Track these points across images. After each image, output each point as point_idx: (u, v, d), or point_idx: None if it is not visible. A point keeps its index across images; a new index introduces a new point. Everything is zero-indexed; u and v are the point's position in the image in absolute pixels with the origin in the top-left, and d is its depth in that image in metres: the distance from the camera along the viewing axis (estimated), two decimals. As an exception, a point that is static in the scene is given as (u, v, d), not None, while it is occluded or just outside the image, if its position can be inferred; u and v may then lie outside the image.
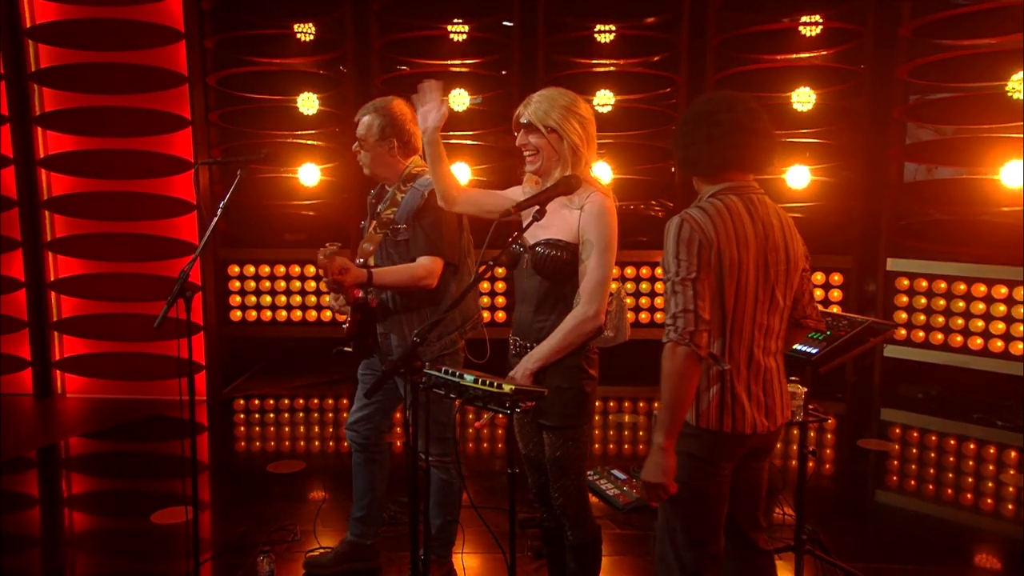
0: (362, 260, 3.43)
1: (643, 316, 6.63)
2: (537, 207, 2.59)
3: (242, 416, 6.12)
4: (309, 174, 6.64)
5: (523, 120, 2.81)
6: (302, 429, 5.83)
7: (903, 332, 6.16)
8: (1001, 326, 5.87)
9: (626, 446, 5.35)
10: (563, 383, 2.77)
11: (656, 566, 2.61)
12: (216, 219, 3.40)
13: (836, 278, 6.44)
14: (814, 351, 3.16)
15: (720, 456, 2.44)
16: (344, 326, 3.47)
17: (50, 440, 5.62)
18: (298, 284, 6.80)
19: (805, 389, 3.34)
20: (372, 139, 3.37)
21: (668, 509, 2.50)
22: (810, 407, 3.38)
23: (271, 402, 6.30)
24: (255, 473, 4.97)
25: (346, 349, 3.49)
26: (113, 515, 4.55)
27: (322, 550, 3.87)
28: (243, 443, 5.72)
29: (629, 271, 6.60)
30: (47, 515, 4.70)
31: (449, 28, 6.50)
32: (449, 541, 3.60)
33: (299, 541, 4.00)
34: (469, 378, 2.47)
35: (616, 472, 4.61)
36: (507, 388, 2.39)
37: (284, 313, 6.82)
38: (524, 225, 2.67)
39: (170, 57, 5.99)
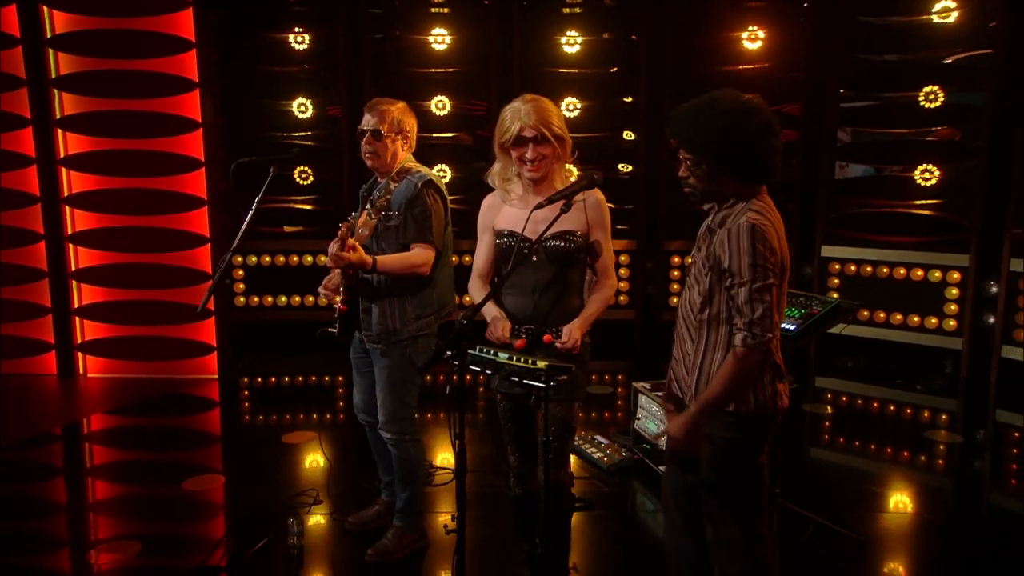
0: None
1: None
2: (564, 200, 2.60)
3: (249, 392, 6.07)
4: (305, 172, 6.61)
5: (528, 135, 2.71)
6: (311, 402, 5.79)
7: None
8: (919, 304, 6.12)
9: (593, 414, 5.41)
10: (585, 359, 2.85)
11: (717, 550, 2.44)
12: (251, 214, 3.37)
13: (776, 263, 6.60)
14: (792, 328, 3.23)
15: (773, 432, 2.43)
16: (336, 307, 3.34)
17: (75, 417, 5.55)
18: (297, 272, 6.73)
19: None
20: (393, 131, 3.30)
21: (731, 492, 2.41)
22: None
23: (272, 380, 6.24)
24: (271, 443, 4.93)
25: (330, 331, 3.32)
26: (145, 484, 4.50)
27: (339, 513, 3.90)
28: (256, 416, 5.68)
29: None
30: (87, 485, 4.66)
31: (430, 38, 6.45)
32: (416, 511, 3.54)
33: (320, 503, 4.02)
34: (504, 355, 2.52)
35: (599, 437, 4.69)
36: (541, 364, 2.44)
37: (284, 299, 6.75)
38: (525, 222, 2.69)
39: (181, 65, 5.87)
